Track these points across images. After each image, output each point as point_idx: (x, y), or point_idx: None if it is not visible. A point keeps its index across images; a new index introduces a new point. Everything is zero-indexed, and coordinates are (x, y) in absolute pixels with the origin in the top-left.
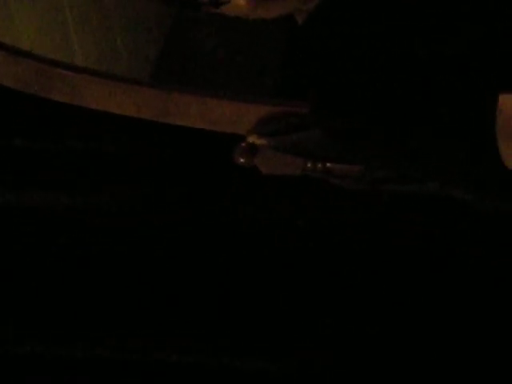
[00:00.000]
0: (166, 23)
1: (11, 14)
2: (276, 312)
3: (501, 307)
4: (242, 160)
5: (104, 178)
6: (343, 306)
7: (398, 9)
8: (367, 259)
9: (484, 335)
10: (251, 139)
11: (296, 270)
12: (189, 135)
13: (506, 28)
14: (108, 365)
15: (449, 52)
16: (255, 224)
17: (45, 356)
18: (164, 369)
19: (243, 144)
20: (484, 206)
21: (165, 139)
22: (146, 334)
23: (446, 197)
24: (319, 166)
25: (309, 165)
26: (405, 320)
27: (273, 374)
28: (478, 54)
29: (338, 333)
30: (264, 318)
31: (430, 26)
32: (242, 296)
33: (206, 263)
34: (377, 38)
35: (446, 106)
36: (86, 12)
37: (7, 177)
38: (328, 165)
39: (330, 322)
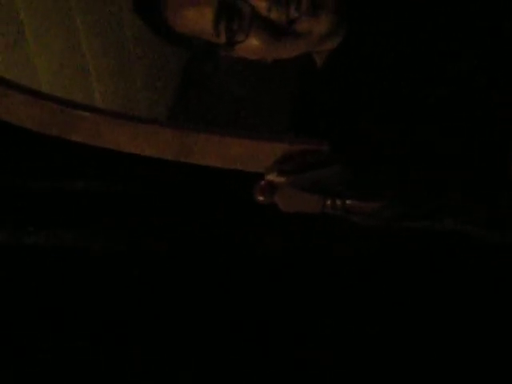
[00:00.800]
0: (183, 64)
1: (29, 55)
2: (276, 312)
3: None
4: (261, 198)
5: (127, 219)
6: (343, 307)
7: (411, 54)
8: (367, 261)
9: (484, 336)
10: (270, 177)
11: (297, 270)
12: (208, 174)
13: None
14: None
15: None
16: (271, 241)
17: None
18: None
19: (262, 182)
20: (500, 240)
21: (185, 179)
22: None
23: (460, 233)
24: (338, 203)
25: (328, 202)
26: (404, 320)
27: (271, 373)
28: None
29: (337, 333)
30: (265, 318)
31: (439, 65)
32: (242, 297)
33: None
34: (395, 79)
35: (460, 141)
36: (105, 53)
37: (21, 218)
38: (347, 202)
39: (329, 322)
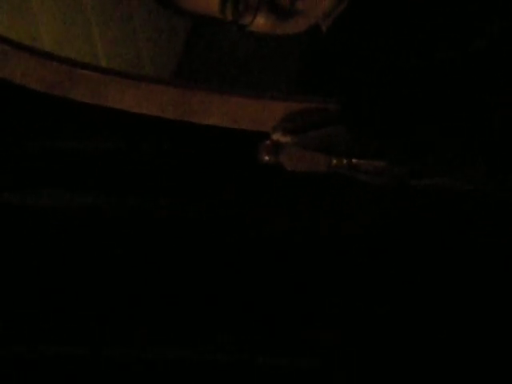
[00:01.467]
0: (188, 23)
1: (33, 15)
2: (284, 292)
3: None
4: (267, 158)
5: (125, 178)
6: (351, 286)
7: (418, 16)
8: (376, 241)
9: (492, 311)
10: (276, 137)
11: (304, 248)
12: (212, 134)
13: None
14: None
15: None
16: (279, 220)
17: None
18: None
19: (268, 142)
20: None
21: (189, 138)
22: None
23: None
24: (345, 162)
25: (334, 161)
26: (413, 299)
27: (279, 353)
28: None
29: (346, 312)
30: (272, 299)
31: (448, 30)
32: (249, 276)
33: (222, 257)
34: (401, 39)
35: (459, 106)
36: (109, 12)
37: (25, 177)
38: (354, 161)
39: (337, 301)
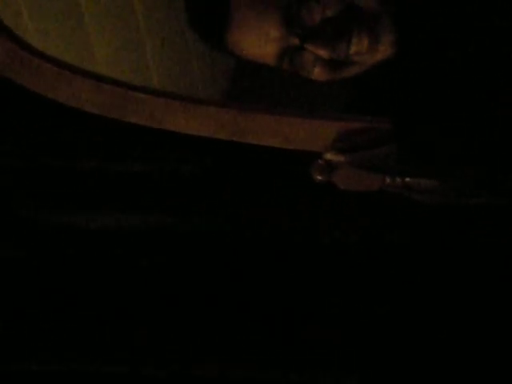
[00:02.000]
0: None
1: (88, 38)
2: (284, 292)
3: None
4: (319, 177)
5: (182, 199)
6: (351, 286)
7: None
8: (377, 243)
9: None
10: (328, 156)
11: (307, 252)
12: (265, 154)
13: None
14: None
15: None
16: (332, 239)
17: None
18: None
19: (320, 161)
20: None
21: (242, 159)
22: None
23: None
24: (398, 181)
25: (387, 180)
26: (413, 300)
27: (280, 354)
28: None
29: (346, 312)
30: (272, 299)
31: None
32: (250, 275)
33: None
34: (454, 57)
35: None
36: (163, 36)
37: (79, 199)
38: (407, 180)
39: (337, 301)
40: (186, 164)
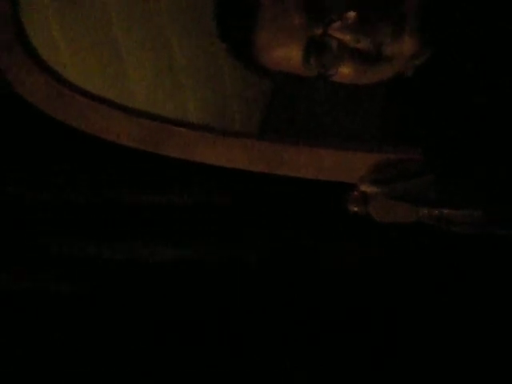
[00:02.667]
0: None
1: (125, 71)
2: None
3: None
4: (355, 208)
5: (217, 231)
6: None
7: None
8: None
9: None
10: (363, 187)
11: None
12: (300, 186)
13: None
14: None
15: None
16: (367, 267)
17: None
18: None
19: (355, 192)
20: None
21: (277, 191)
22: None
23: None
24: (435, 212)
25: (423, 212)
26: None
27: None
28: None
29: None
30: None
31: None
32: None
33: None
34: (489, 85)
35: None
36: (199, 69)
37: (116, 231)
38: (443, 211)
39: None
40: (219, 196)
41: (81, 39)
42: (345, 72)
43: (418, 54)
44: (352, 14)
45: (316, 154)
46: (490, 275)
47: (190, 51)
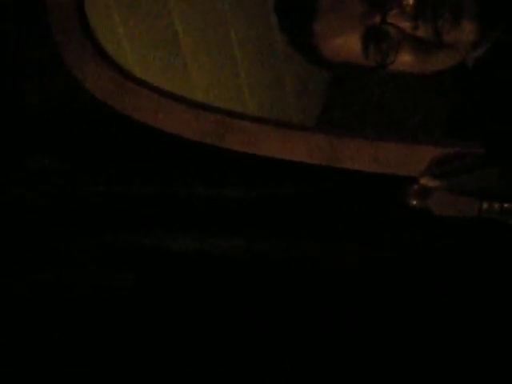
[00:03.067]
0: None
1: (186, 66)
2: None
3: None
4: (414, 202)
5: (278, 223)
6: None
7: None
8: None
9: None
10: (424, 181)
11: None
12: (358, 179)
13: None
14: None
15: None
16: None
17: None
18: None
19: (416, 186)
20: None
21: (336, 183)
22: None
23: None
24: (496, 206)
25: (485, 206)
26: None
27: None
28: None
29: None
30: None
31: None
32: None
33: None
34: None
35: None
36: (257, 62)
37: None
38: (505, 205)
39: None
40: (282, 188)
41: (143, 34)
42: (404, 60)
43: (478, 43)
44: (411, 1)
45: (376, 147)
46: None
47: (249, 44)
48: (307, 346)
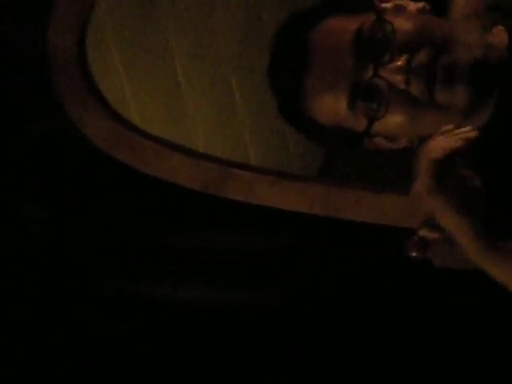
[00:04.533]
0: None
1: (188, 116)
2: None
3: None
4: (414, 253)
5: (275, 273)
6: None
7: None
8: None
9: None
10: (423, 232)
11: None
12: (356, 230)
13: None
14: None
15: None
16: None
17: None
18: None
19: (415, 237)
20: None
21: (334, 234)
22: None
23: None
24: None
25: None
26: None
27: None
28: None
29: None
30: None
31: None
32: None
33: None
34: None
35: None
36: (258, 113)
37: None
38: None
39: None
40: (282, 237)
41: (146, 84)
42: (394, 118)
43: (470, 110)
44: (404, 55)
45: (376, 198)
46: None
47: (251, 95)
48: None
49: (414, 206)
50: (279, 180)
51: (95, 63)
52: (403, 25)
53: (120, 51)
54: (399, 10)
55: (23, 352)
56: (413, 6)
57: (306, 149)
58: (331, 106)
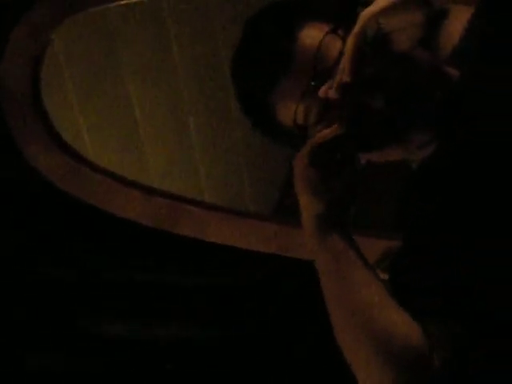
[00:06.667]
0: (288, 161)
1: (143, 152)
2: None
3: None
4: None
5: (233, 310)
6: None
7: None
8: None
9: None
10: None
11: None
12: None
13: None
14: None
15: None
16: None
17: None
18: None
19: None
20: None
21: (289, 271)
22: None
23: None
24: None
25: None
26: None
27: None
28: None
29: None
30: None
31: None
32: None
33: None
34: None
35: None
36: (214, 151)
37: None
38: None
39: None
40: (234, 277)
41: (102, 119)
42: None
43: (428, 144)
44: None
45: None
46: None
47: (208, 132)
48: None
49: (367, 246)
50: (233, 217)
51: (50, 102)
52: None
53: (75, 86)
54: None
55: None
56: None
57: (261, 188)
58: (287, 117)
